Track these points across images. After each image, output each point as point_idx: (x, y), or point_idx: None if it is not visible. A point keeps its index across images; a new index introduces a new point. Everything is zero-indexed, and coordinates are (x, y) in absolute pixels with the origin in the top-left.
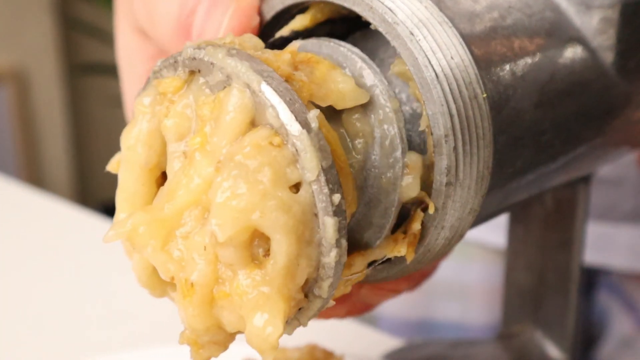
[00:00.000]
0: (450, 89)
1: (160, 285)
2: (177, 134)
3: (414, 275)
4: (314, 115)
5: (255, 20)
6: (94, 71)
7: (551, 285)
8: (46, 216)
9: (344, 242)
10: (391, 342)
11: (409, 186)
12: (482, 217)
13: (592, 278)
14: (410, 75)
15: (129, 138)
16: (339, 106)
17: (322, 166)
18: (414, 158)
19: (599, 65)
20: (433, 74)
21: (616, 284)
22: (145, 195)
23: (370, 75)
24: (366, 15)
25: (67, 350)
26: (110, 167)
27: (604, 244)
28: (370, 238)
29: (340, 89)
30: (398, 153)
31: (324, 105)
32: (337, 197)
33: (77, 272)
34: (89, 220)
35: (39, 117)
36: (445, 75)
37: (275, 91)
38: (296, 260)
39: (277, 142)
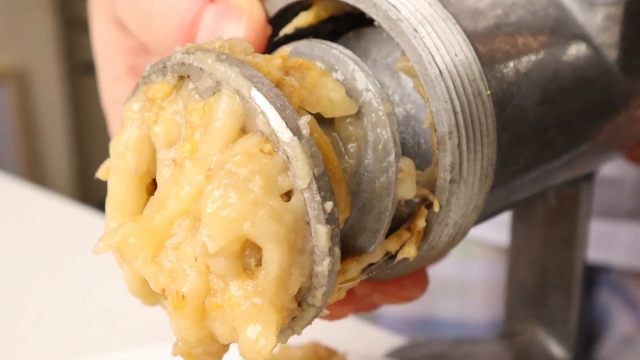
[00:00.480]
0: (454, 86)
1: (152, 294)
2: (166, 140)
3: (423, 278)
4: (305, 121)
5: (269, 31)
6: (94, 70)
7: (554, 283)
8: (47, 214)
9: (337, 250)
10: (394, 340)
11: (405, 189)
12: (485, 214)
13: (593, 276)
14: (414, 72)
15: (118, 145)
16: (327, 114)
17: (313, 174)
18: (407, 163)
19: (602, 63)
20: (437, 71)
21: (617, 282)
22: (136, 203)
23: (362, 78)
24: (370, 12)
25: (68, 348)
26: (100, 174)
27: (604, 241)
28: (364, 243)
29: (330, 97)
30: (392, 157)
31: (313, 112)
32: (329, 205)
33: (77, 270)
34: (89, 218)
35: (40, 116)
36: (449, 72)
37: (266, 97)
38: (288, 269)
39: (268, 150)
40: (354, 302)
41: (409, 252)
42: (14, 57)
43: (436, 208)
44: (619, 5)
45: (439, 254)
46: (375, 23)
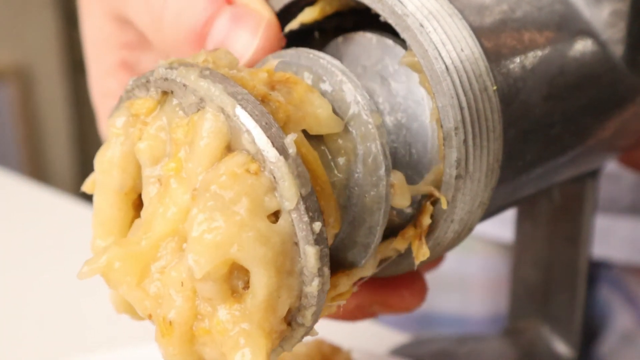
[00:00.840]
0: (461, 82)
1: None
2: (151, 157)
3: (422, 288)
4: (291, 140)
5: (283, 43)
6: None
7: (558, 281)
8: (49, 211)
9: (327, 270)
10: (397, 337)
11: (397, 200)
12: (490, 210)
13: (593, 272)
14: (420, 67)
15: (102, 162)
16: (313, 132)
17: (301, 194)
18: (398, 177)
19: (608, 59)
20: (443, 66)
21: (617, 278)
22: (122, 219)
23: (351, 89)
24: (375, 7)
25: (69, 346)
26: (85, 187)
27: (604, 237)
28: (355, 257)
29: (317, 114)
30: (382, 171)
31: (299, 128)
32: (317, 225)
33: (79, 267)
34: (91, 215)
35: (42, 113)
36: (455, 67)
37: (251, 115)
38: (277, 292)
39: (254, 169)
40: (361, 312)
41: (424, 254)
42: (16, 55)
43: (444, 205)
44: (626, 1)
45: (444, 251)
46: (381, 18)
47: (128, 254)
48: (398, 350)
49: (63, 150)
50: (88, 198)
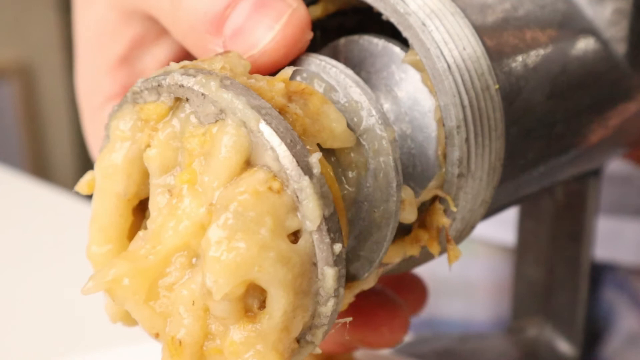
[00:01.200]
0: (463, 80)
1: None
2: (161, 165)
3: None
4: (316, 159)
5: (309, 35)
6: None
7: (561, 279)
8: (51, 209)
9: (342, 291)
10: None
11: (405, 216)
12: (493, 209)
13: (598, 274)
14: (422, 65)
15: (105, 166)
16: (326, 145)
17: (324, 215)
18: (408, 193)
19: (611, 57)
20: (445, 65)
21: (623, 280)
22: (122, 225)
23: (365, 102)
24: (377, 6)
25: (70, 345)
26: (79, 188)
27: (611, 239)
28: (358, 270)
29: (332, 128)
30: (393, 187)
31: (314, 142)
32: (338, 247)
33: (81, 265)
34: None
35: (45, 110)
36: (457, 66)
37: (275, 132)
38: (292, 313)
39: (276, 188)
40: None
41: (456, 255)
42: (18, 53)
43: (452, 207)
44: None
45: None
46: (383, 17)
47: (137, 270)
48: (400, 349)
49: (65, 147)
50: (90, 196)
